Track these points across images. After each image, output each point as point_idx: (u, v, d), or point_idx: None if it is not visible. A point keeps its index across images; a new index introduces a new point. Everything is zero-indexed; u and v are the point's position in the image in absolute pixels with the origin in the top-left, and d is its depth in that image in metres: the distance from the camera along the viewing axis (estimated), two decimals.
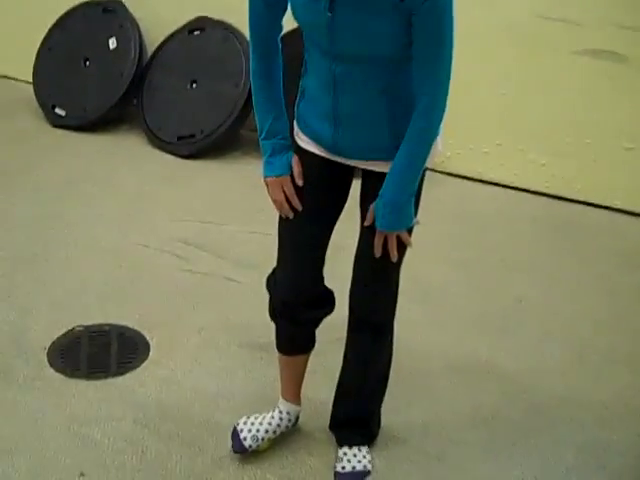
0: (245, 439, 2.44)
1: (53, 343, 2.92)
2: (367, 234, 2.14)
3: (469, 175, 4.48)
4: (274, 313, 2.38)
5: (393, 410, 2.59)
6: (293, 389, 2.49)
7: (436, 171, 4.28)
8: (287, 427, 2.51)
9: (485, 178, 4.45)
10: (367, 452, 2.46)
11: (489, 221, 4.05)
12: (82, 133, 4.77)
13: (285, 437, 2.51)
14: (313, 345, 2.45)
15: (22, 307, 3.13)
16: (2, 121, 4.89)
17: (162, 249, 3.58)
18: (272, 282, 2.35)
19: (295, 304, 2.30)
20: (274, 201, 2.19)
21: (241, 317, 3.13)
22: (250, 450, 2.44)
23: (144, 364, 2.85)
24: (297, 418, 2.54)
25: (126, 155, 4.56)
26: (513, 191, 4.37)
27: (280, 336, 2.43)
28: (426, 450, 2.54)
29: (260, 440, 2.45)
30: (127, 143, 4.69)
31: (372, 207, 2.09)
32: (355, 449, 2.45)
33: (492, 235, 3.91)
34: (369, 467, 2.42)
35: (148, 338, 2.98)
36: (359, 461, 2.42)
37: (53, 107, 4.87)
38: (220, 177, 4.37)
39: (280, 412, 2.49)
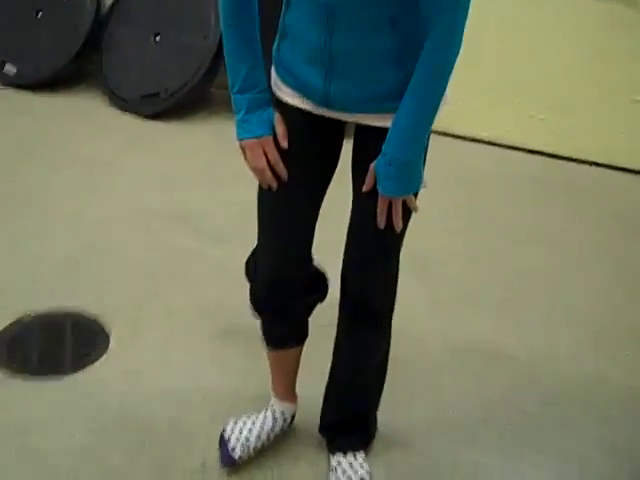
0: (234, 449, 2.11)
1: None
2: (365, 201, 1.80)
3: (460, 134, 4.23)
4: (257, 304, 2.02)
5: (392, 408, 2.29)
6: (286, 386, 2.18)
7: None
8: (282, 429, 2.20)
9: (478, 136, 4.21)
10: (364, 459, 2.14)
11: (485, 184, 3.83)
12: (35, 93, 4.49)
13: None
14: (306, 334, 2.12)
15: None
16: None
17: (125, 221, 3.31)
18: (252, 267, 2.00)
19: (282, 291, 1.95)
20: (253, 169, 1.83)
21: (214, 299, 2.82)
22: (241, 461, 2.11)
23: (103, 358, 2.53)
24: (293, 417, 2.24)
25: (84, 116, 4.33)
26: (509, 150, 4.17)
27: (267, 330, 2.09)
28: (431, 454, 2.24)
29: (252, 450, 2.13)
30: (85, 103, 4.45)
31: (372, 167, 1.73)
32: (350, 456, 2.13)
33: (490, 200, 3.70)
34: (367, 478, 2.10)
35: (108, 326, 2.65)
36: (356, 471, 2.10)
37: (2, 64, 4.59)
38: (188, 140, 4.13)
39: (274, 412, 2.18)
